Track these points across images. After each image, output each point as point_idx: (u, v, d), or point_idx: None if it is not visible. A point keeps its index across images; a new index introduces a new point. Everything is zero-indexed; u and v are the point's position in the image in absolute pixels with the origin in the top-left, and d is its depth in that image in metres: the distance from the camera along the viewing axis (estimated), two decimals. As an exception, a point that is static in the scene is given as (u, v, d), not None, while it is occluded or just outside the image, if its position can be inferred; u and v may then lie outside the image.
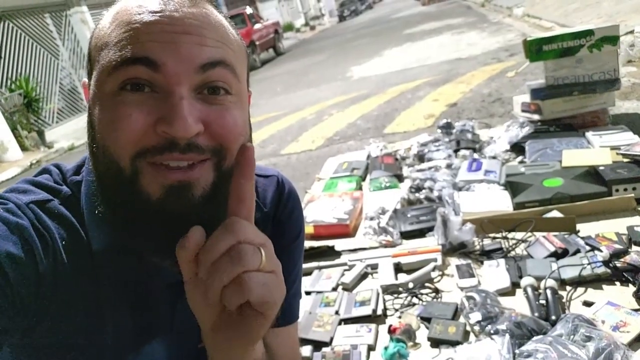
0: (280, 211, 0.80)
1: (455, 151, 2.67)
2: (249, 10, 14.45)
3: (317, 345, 1.48)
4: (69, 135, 9.41)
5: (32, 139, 8.64)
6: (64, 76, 11.07)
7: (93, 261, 0.60)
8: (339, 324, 1.56)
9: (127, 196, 0.53)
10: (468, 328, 1.40)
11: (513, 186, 2.02)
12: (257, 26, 13.93)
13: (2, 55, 9.16)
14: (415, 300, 1.59)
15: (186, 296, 0.51)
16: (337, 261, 1.91)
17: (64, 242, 0.58)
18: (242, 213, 0.50)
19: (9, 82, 9.06)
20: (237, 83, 0.56)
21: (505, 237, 1.76)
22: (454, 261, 1.72)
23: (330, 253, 1.99)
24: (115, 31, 0.53)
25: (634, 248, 1.56)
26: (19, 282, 0.52)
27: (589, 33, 2.45)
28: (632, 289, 1.39)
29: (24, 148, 8.34)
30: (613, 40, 2.44)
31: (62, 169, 0.67)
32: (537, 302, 1.40)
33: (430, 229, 1.91)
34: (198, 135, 0.52)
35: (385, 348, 1.35)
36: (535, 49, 2.54)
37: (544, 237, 1.67)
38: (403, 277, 1.70)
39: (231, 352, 0.54)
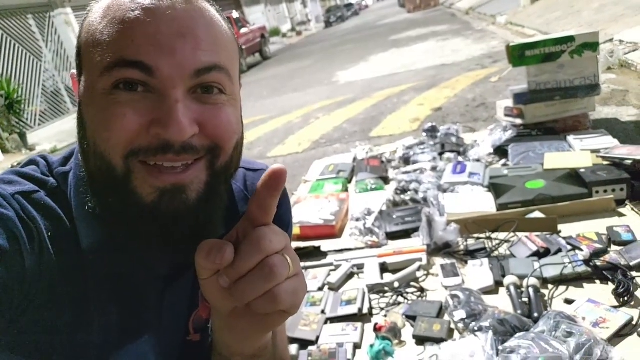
0: None
1: (440, 154, 2.70)
2: (235, 14, 14.43)
3: (304, 344, 1.48)
4: (51, 138, 9.25)
5: (14, 141, 8.48)
6: (47, 78, 10.90)
7: (80, 254, 0.59)
8: (325, 323, 1.56)
9: (119, 195, 0.53)
10: (452, 326, 1.41)
11: (496, 188, 2.06)
12: (243, 30, 13.91)
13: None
14: (400, 299, 1.61)
15: (201, 289, 0.52)
16: (323, 261, 1.92)
17: (49, 234, 0.57)
18: (264, 220, 0.50)
19: (-10, 83, 8.90)
20: (231, 84, 0.56)
21: (489, 237, 1.78)
22: (438, 261, 1.74)
23: (316, 254, 2.00)
24: (107, 28, 0.51)
25: (613, 248, 1.60)
26: (3, 273, 0.52)
27: (570, 39, 2.51)
28: (611, 286, 1.42)
29: (4, 150, 8.18)
30: (593, 46, 2.51)
31: (49, 160, 0.66)
32: (519, 300, 1.43)
33: (416, 229, 1.93)
34: (193, 136, 0.52)
35: (371, 346, 1.36)
36: (518, 54, 2.60)
37: (526, 237, 1.70)
38: (389, 277, 1.71)
39: (247, 338, 0.56)
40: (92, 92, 0.53)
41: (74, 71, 0.59)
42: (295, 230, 2.15)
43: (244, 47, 13.37)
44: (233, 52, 0.58)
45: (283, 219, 0.82)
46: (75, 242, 0.59)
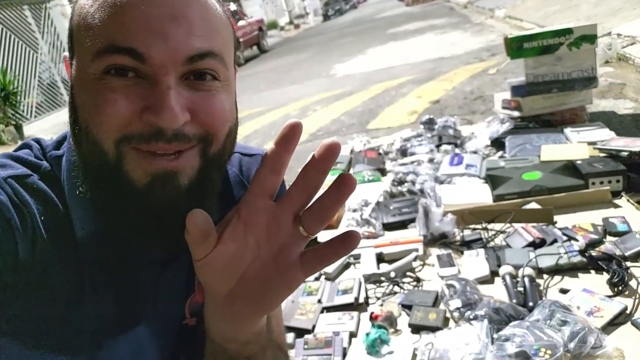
0: None
1: (437, 146, 2.70)
2: (233, 6, 14.34)
3: (300, 332, 1.49)
4: (47, 130, 9.21)
5: (10, 133, 8.43)
6: (43, 70, 10.83)
7: (74, 239, 0.59)
8: (322, 312, 1.57)
9: (111, 180, 0.53)
10: (448, 315, 1.42)
11: (493, 179, 2.06)
12: (241, 23, 13.84)
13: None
14: (396, 288, 1.61)
15: (196, 272, 0.51)
16: (320, 252, 1.92)
17: (42, 218, 0.56)
18: (276, 183, 0.50)
19: (-15, 75, 8.85)
20: (225, 70, 0.55)
21: (485, 228, 1.79)
22: (435, 251, 1.75)
23: (313, 244, 1.99)
24: (98, 12, 0.50)
25: (609, 238, 1.61)
26: None
27: (568, 31, 2.51)
28: (606, 276, 1.43)
29: (1, 142, 8.14)
30: (591, 39, 2.51)
31: (42, 143, 0.65)
32: (515, 290, 1.44)
33: (412, 220, 1.94)
34: (185, 123, 0.51)
35: (367, 334, 1.37)
36: (516, 46, 2.59)
37: (522, 227, 1.71)
38: (385, 267, 1.72)
39: (242, 323, 0.55)
40: (84, 76, 0.52)
41: (67, 54, 0.58)
42: (292, 221, 2.15)
43: (241, 40, 13.30)
44: (227, 36, 0.57)
45: None
46: (69, 227, 0.58)
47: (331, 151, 0.46)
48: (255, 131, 5.06)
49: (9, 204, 0.54)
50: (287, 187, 0.50)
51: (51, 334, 0.57)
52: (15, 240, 0.53)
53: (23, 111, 9.64)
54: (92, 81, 0.51)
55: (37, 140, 0.65)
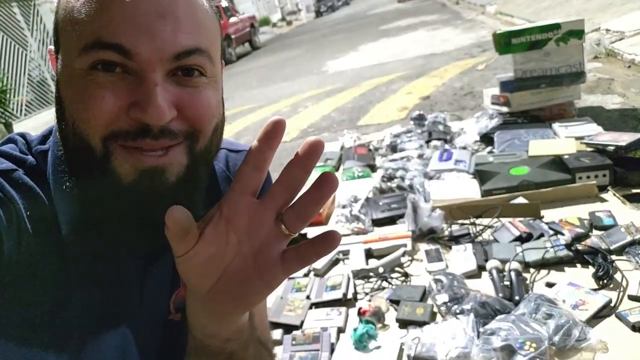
0: None
1: (427, 142, 2.71)
2: (224, 3, 14.27)
3: (288, 328, 1.49)
4: (38, 128, 9.08)
5: (-1, 132, 8.37)
6: (32, 68, 10.74)
7: (59, 234, 0.58)
8: (310, 308, 1.57)
9: (98, 176, 0.53)
10: (435, 309, 1.43)
11: (481, 174, 2.07)
12: (232, 19, 13.77)
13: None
14: (385, 284, 1.62)
15: (177, 268, 0.51)
16: (309, 248, 1.92)
17: (28, 213, 0.56)
18: (259, 180, 0.48)
19: (-27, 72, 8.77)
20: (212, 66, 0.55)
21: (473, 223, 1.80)
22: (423, 246, 1.75)
23: (302, 241, 1.99)
24: (84, 7, 0.50)
25: (595, 232, 1.62)
26: None
27: (556, 27, 2.52)
28: (592, 270, 1.44)
29: (-10, 140, 8.07)
30: (578, 34, 2.52)
31: (28, 138, 0.64)
32: (501, 284, 1.45)
33: (401, 216, 1.94)
34: (171, 120, 0.51)
35: (355, 329, 1.37)
36: (504, 42, 2.60)
37: (509, 222, 1.72)
38: (374, 263, 1.72)
39: (224, 319, 0.54)
40: (70, 71, 0.52)
41: (52, 47, 0.58)
42: (282, 217, 2.15)
43: (233, 36, 13.24)
44: (215, 32, 0.57)
45: None
46: (55, 222, 0.58)
47: (314, 149, 0.46)
48: (245, 128, 5.04)
49: None
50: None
51: (38, 330, 0.57)
52: (1, 235, 0.53)
53: (13, 109, 9.55)
54: (78, 76, 0.51)
55: (22, 135, 0.65)
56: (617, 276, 1.40)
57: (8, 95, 9.10)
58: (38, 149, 0.62)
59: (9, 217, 0.54)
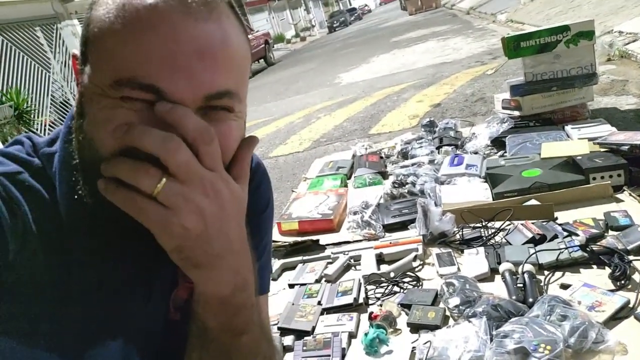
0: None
1: (438, 148, 2.69)
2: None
3: (300, 334, 1.48)
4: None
5: (23, 151, 8.55)
6: (55, 89, 11.00)
7: (64, 237, 0.59)
8: (322, 313, 1.56)
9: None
10: (447, 313, 1.41)
11: (492, 177, 2.05)
12: (246, 37, 13.97)
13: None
14: (396, 288, 1.60)
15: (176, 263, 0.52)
16: (320, 254, 1.92)
17: (33, 215, 0.57)
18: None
19: (-1, 94, 9.02)
20: (239, 104, 0.56)
21: (484, 226, 1.77)
22: (434, 250, 1.73)
23: (314, 247, 2.00)
24: (121, 34, 0.49)
25: (611, 233, 1.58)
26: None
27: (565, 29, 2.50)
28: (608, 271, 1.40)
29: (15, 160, 8.25)
30: (588, 35, 2.49)
31: (34, 140, 0.65)
32: (514, 286, 1.42)
33: (412, 221, 1.93)
34: None
35: (365, 334, 1.36)
36: (513, 46, 2.59)
37: (522, 224, 1.69)
38: (385, 268, 1.71)
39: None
40: (98, 91, 0.51)
41: (76, 51, 0.57)
42: (294, 225, 2.16)
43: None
44: (245, 68, 0.57)
45: (263, 196, 0.83)
46: (59, 225, 0.58)
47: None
48: (260, 139, 5.08)
49: None
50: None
51: (41, 332, 0.57)
52: (7, 238, 0.53)
53: (37, 129, 9.78)
54: (107, 99, 0.51)
55: (29, 137, 0.65)
56: (635, 277, 1.36)
57: (32, 116, 9.35)
58: (45, 152, 0.62)
59: (15, 219, 0.54)
